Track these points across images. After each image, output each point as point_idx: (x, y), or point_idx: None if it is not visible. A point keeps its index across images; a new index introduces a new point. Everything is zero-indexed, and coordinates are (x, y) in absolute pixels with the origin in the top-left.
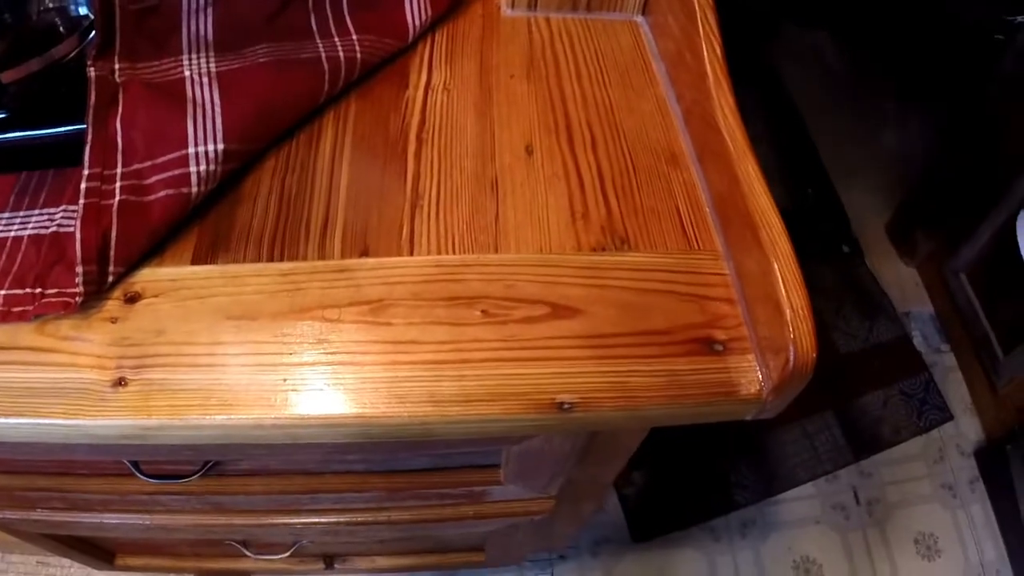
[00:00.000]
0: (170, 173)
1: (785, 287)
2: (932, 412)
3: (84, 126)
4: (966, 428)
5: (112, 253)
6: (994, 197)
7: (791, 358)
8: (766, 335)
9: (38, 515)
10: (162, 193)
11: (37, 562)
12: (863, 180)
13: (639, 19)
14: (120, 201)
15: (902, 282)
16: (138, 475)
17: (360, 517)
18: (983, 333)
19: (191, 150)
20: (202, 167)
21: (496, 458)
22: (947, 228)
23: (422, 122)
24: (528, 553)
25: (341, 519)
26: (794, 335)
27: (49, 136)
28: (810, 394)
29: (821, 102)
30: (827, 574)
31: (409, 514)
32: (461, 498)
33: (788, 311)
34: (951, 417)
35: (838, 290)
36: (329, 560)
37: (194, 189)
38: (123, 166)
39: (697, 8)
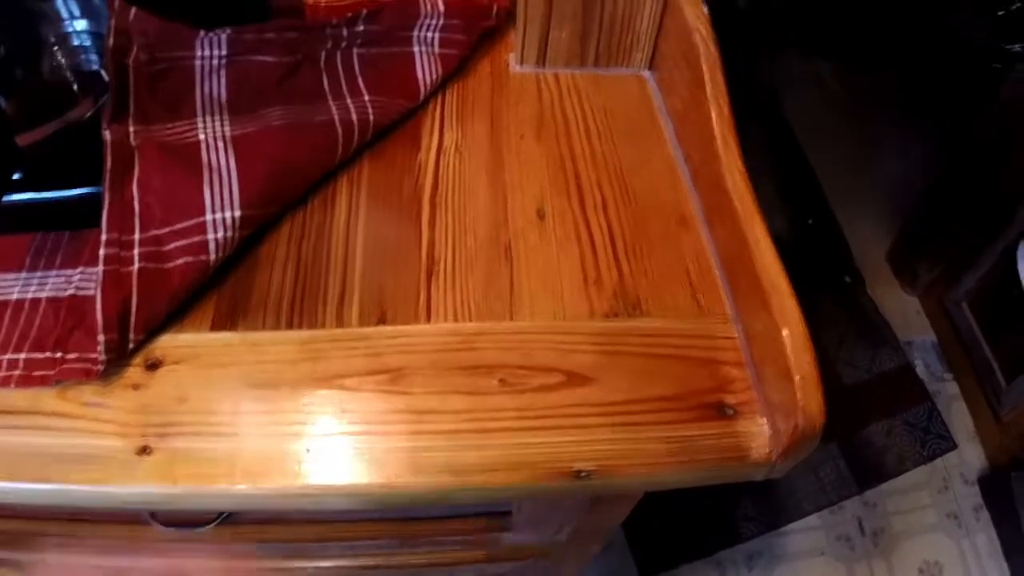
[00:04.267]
0: (188, 240)
1: (794, 352)
2: (935, 441)
3: (100, 188)
4: (970, 456)
5: (132, 320)
6: (994, 226)
7: (799, 423)
8: (775, 399)
9: (49, 557)
10: (181, 260)
11: None
12: (863, 208)
13: (646, 74)
14: (140, 268)
15: (904, 311)
16: (154, 525)
17: (372, 561)
18: (986, 362)
19: (208, 217)
20: (220, 234)
21: (508, 505)
22: (948, 257)
23: (435, 186)
24: None
25: (354, 563)
26: (803, 401)
27: (65, 198)
28: None
29: (821, 129)
30: None
31: (421, 559)
32: (472, 545)
33: (797, 376)
34: (955, 446)
35: (840, 320)
36: None
37: (212, 256)
38: (141, 232)
39: (704, 68)
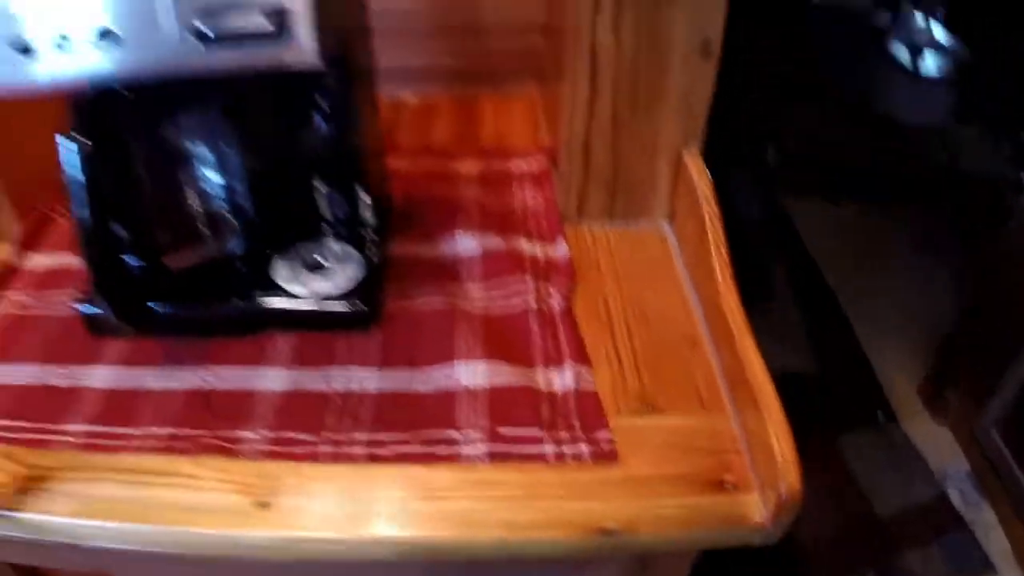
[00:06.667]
0: None
1: (777, 439)
2: (974, 568)
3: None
4: None
5: None
6: (1013, 352)
7: (783, 493)
8: (764, 475)
9: None
10: None
11: None
12: (890, 341)
13: (665, 226)
14: None
15: (936, 441)
16: None
17: None
18: (1019, 487)
19: None
20: None
21: None
22: (975, 385)
23: None
24: None
25: None
26: (784, 476)
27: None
28: (851, 556)
29: (845, 266)
30: None
31: None
32: None
33: (779, 458)
34: (995, 573)
35: (874, 454)
36: None
37: None
38: None
39: (707, 219)
